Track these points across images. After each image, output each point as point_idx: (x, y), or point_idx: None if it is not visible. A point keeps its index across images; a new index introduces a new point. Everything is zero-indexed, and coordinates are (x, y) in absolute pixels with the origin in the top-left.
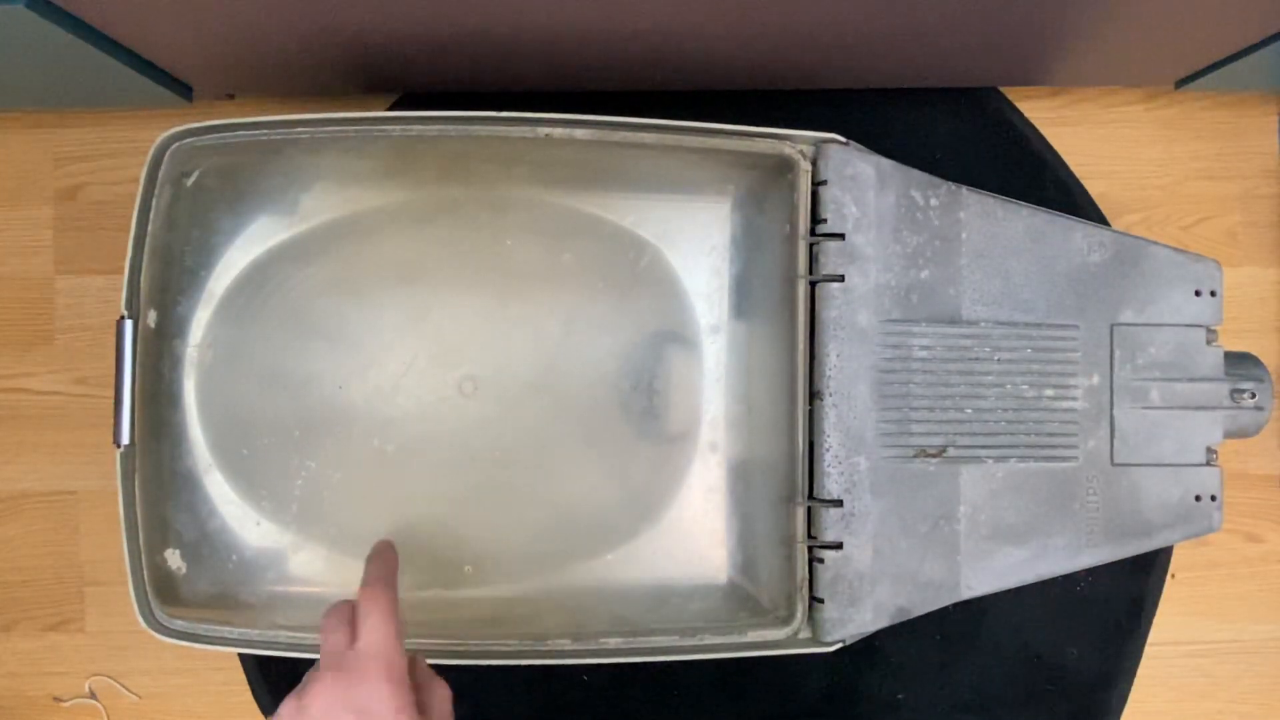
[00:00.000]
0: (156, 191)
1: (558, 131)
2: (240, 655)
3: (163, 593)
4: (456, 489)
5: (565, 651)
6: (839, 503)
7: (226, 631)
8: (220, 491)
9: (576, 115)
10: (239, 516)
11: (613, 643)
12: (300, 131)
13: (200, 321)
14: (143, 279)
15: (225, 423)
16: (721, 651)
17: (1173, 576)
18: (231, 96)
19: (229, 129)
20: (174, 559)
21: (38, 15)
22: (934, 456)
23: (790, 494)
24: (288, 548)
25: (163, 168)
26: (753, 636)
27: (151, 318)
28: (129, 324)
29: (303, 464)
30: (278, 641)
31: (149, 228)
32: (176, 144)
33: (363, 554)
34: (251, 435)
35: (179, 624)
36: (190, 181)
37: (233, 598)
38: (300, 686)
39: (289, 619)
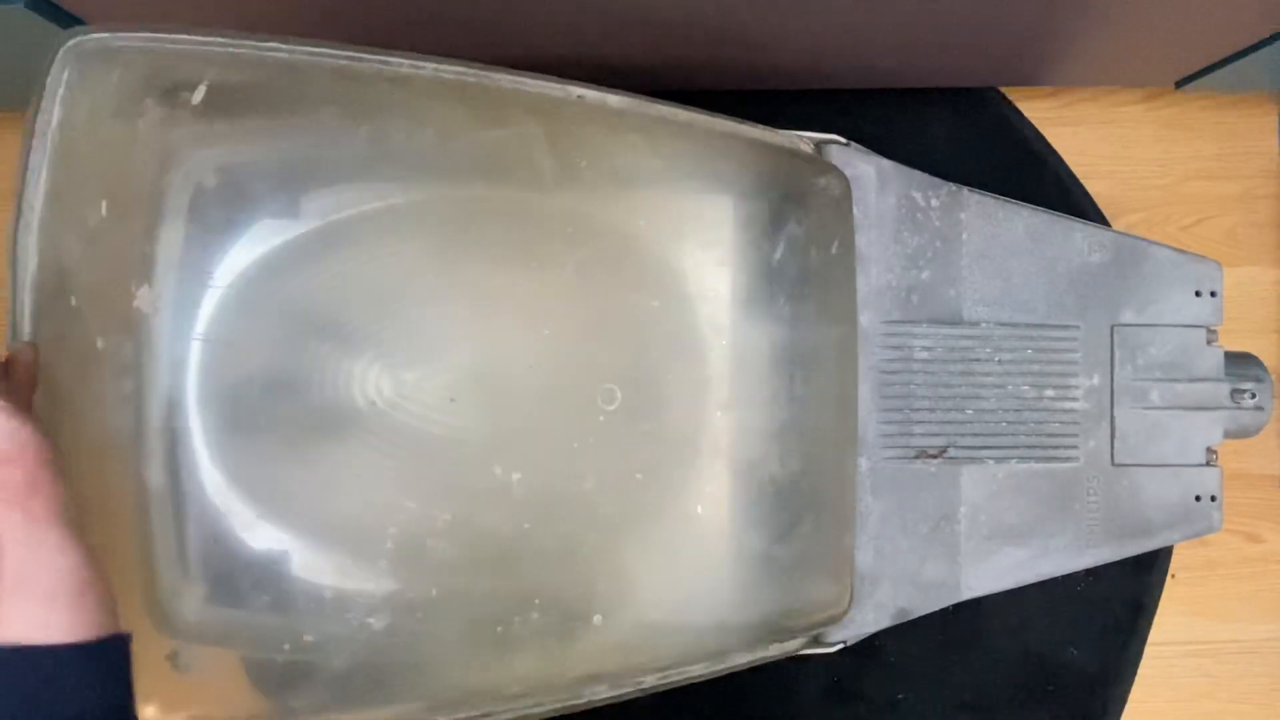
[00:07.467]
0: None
1: (590, 94)
2: (240, 655)
3: (162, 593)
4: (456, 490)
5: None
6: None
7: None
8: (220, 492)
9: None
10: (239, 517)
11: (649, 680)
12: (278, 51)
13: (200, 321)
14: (141, 273)
15: (225, 424)
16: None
17: (1173, 576)
18: None
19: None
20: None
21: (38, 15)
22: (935, 457)
23: None
24: (287, 549)
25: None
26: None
27: (151, 318)
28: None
29: (303, 465)
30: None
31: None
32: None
33: (363, 555)
34: (252, 436)
35: (179, 624)
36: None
37: (233, 598)
38: None
39: (289, 620)
